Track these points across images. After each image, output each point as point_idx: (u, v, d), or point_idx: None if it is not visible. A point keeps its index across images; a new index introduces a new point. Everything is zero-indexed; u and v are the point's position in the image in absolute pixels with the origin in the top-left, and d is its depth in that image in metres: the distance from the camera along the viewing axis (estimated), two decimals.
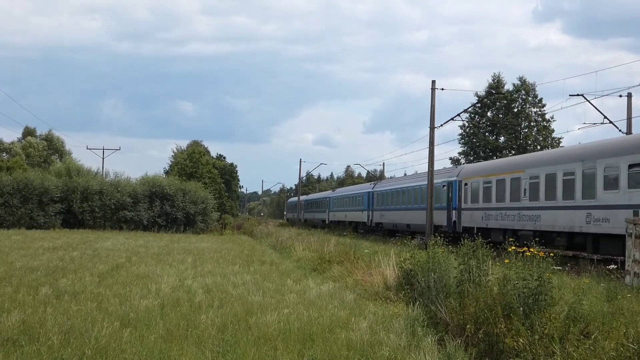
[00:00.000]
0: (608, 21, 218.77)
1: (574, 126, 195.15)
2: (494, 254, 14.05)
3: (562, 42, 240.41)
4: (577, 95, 37.63)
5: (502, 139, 68.50)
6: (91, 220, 54.01)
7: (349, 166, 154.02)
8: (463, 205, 36.61)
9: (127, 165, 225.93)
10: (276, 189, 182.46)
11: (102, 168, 75.33)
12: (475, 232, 31.69)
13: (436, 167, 40.25)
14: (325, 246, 27.61)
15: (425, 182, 39.57)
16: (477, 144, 68.09)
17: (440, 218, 39.27)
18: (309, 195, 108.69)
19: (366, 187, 63.27)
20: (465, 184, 36.68)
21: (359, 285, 17.46)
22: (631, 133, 35.05)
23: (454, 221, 37.48)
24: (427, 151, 38.47)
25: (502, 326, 9.94)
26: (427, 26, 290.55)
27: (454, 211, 37.74)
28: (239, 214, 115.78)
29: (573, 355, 8.44)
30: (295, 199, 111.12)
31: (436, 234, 32.59)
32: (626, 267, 18.12)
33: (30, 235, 39.39)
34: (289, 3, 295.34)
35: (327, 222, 76.41)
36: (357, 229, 61.53)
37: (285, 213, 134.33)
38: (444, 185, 39.71)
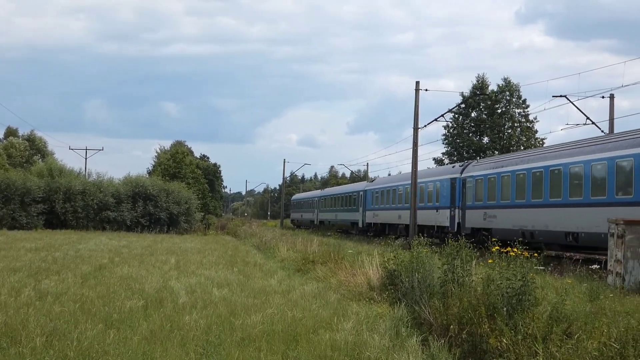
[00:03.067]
0: (591, 23, 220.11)
1: (557, 127, 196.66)
2: (478, 254, 14.07)
3: (546, 43, 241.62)
4: (560, 96, 37.98)
5: (485, 139, 68.77)
6: (74, 221, 53.66)
7: (332, 166, 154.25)
8: None
9: (111, 166, 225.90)
10: (260, 189, 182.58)
11: (85, 168, 75.08)
12: None
13: (419, 168, 39.92)
14: (309, 246, 27.60)
15: (597, 158, 24.16)
16: (461, 144, 68.32)
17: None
18: (326, 189, 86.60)
19: (446, 171, 41.17)
20: None
21: (343, 285, 17.46)
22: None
23: None
24: (410, 152, 38.55)
25: (486, 326, 9.98)
26: (413, 28, 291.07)
27: None
28: (223, 214, 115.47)
29: (556, 355, 8.47)
30: (303, 195, 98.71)
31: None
32: (608, 267, 18.24)
33: (12, 236, 39.10)
34: (275, 4, 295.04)
35: (361, 224, 57.67)
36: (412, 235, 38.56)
37: (273, 215, 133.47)
38: None
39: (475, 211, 33.97)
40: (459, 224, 36.00)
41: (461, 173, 36.86)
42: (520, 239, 27.00)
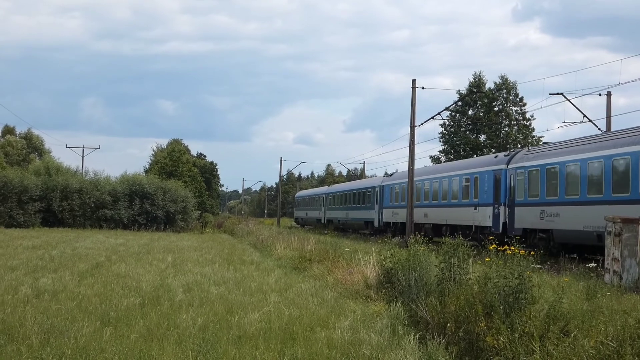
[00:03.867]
0: (587, 20, 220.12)
1: (554, 125, 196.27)
2: (475, 252, 14.04)
3: (542, 41, 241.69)
4: (557, 94, 37.94)
5: (482, 137, 68.77)
6: (71, 219, 53.73)
7: (329, 165, 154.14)
8: None
9: (107, 164, 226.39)
10: (257, 187, 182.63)
11: (82, 167, 75.02)
12: None
13: (416, 166, 39.86)
14: (306, 244, 27.59)
15: None
16: (458, 142, 68.30)
17: None
18: (335, 185, 76.54)
19: (488, 162, 34.95)
20: None
21: (340, 283, 17.45)
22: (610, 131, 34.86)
23: None
24: (407, 150, 38.55)
25: (483, 324, 9.97)
26: (408, 25, 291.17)
27: None
28: (220, 212, 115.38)
29: (553, 353, 8.47)
30: (308, 191, 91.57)
31: None
32: (605, 265, 18.26)
33: (10, 234, 39.10)
34: (270, 2, 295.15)
35: (377, 224, 51.63)
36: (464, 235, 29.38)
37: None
38: None
39: (529, 208, 28.24)
40: (504, 223, 30.69)
41: (507, 164, 31.22)
42: (595, 243, 22.48)
